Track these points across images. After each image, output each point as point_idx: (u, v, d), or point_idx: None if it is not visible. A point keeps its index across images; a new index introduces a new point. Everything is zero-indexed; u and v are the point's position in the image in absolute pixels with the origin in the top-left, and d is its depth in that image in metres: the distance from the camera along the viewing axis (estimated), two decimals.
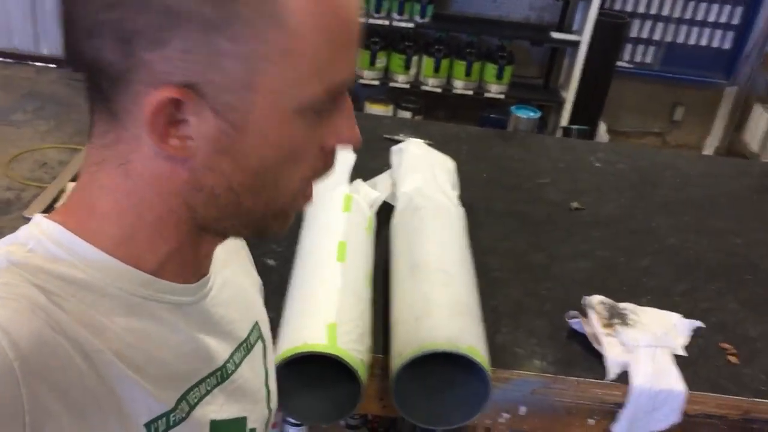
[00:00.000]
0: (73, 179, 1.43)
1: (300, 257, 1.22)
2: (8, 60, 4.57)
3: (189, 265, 0.60)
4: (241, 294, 0.72)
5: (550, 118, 4.12)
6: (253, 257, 0.81)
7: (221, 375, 0.64)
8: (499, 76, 3.82)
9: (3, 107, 3.97)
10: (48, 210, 1.36)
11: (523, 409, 1.21)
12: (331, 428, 1.50)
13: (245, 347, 0.70)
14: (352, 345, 1.00)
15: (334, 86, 0.53)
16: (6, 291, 0.48)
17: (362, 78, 3.82)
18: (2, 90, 4.18)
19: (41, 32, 4.55)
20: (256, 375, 0.72)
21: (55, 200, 1.37)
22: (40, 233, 0.53)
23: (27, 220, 1.39)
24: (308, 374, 1.06)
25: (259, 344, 0.73)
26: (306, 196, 0.59)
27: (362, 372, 1.00)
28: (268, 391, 0.75)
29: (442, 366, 1.06)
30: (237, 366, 0.67)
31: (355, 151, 0.59)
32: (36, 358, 0.46)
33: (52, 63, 4.55)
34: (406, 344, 1.04)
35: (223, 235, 0.60)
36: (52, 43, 4.55)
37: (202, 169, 0.52)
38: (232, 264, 0.72)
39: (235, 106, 0.50)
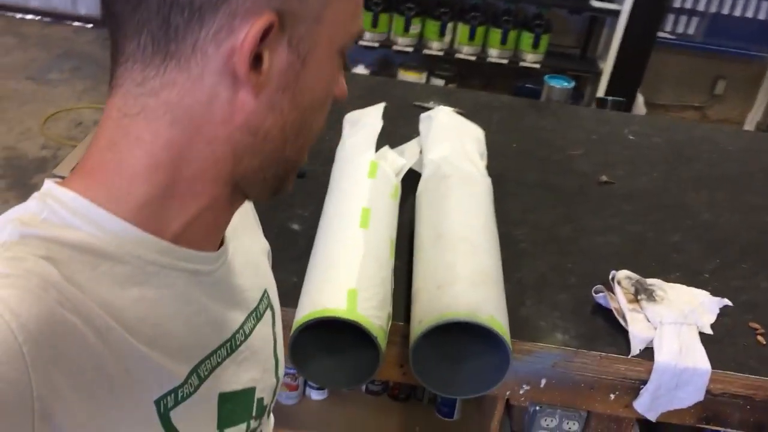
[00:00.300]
0: None
1: (323, 223, 1.22)
2: (46, 19, 4.62)
3: (211, 232, 0.59)
4: (251, 261, 0.71)
5: (587, 89, 4.04)
6: (278, 222, 0.80)
7: (231, 345, 0.63)
8: (535, 45, 3.75)
9: (40, 66, 4.02)
10: None
11: (543, 382, 1.21)
12: (352, 393, 1.51)
13: (255, 316, 0.68)
14: (372, 311, 1.00)
15: (358, 34, 0.56)
16: (16, 267, 0.46)
17: (396, 44, 3.77)
18: (39, 49, 4.23)
19: None
20: (266, 344, 0.71)
21: None
22: (54, 201, 0.51)
23: (56, 177, 1.40)
24: (328, 340, 1.06)
25: (269, 312, 0.72)
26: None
27: (381, 338, 1.00)
28: (276, 360, 0.74)
29: (463, 335, 1.06)
30: (247, 336, 0.66)
31: (340, 104, 0.60)
32: (46, 340, 0.44)
33: (90, 23, 4.59)
34: (426, 312, 1.03)
35: (246, 195, 0.59)
36: (90, 3, 4.57)
37: (264, 108, 0.52)
38: (242, 230, 0.71)
39: (305, 38, 0.51)
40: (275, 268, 1.24)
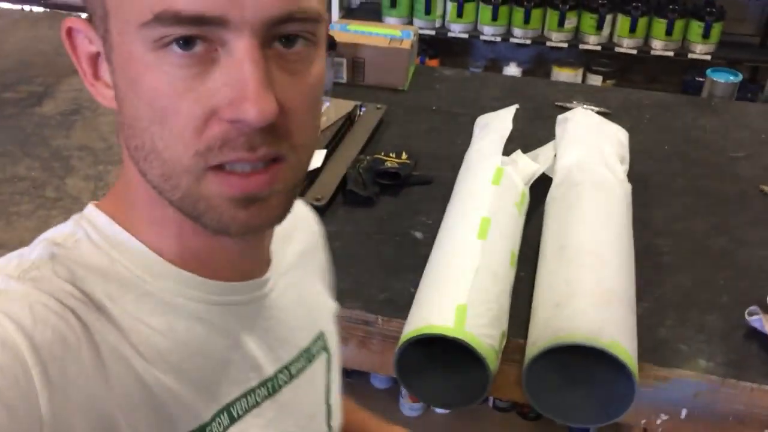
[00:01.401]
0: None
1: (441, 232, 1.18)
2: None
3: (234, 262, 0.55)
4: (307, 300, 0.67)
5: (767, 84, 3.66)
6: (401, 229, 0.76)
7: (272, 386, 0.60)
8: (706, 35, 3.44)
9: None
10: None
11: (684, 413, 1.09)
12: (479, 408, 1.45)
13: (305, 357, 0.65)
14: (482, 329, 0.94)
15: (171, 12, 0.42)
16: (39, 288, 0.46)
17: (550, 40, 3.63)
18: None
19: None
20: (315, 389, 0.67)
21: None
22: (88, 224, 0.52)
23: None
24: (439, 356, 1.02)
25: (323, 356, 0.68)
26: (224, 182, 0.46)
27: (491, 358, 0.94)
28: (329, 407, 0.70)
29: (584, 358, 0.97)
30: (292, 377, 0.62)
31: (254, 123, 0.43)
32: (58, 366, 0.43)
33: None
34: (542, 332, 0.96)
35: (185, 214, 0.49)
36: None
37: (119, 107, 0.48)
38: (304, 266, 0.68)
39: (105, 38, 0.47)
40: (395, 277, 1.22)
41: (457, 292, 0.99)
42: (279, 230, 0.57)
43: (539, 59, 3.96)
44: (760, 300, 1.14)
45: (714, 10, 3.43)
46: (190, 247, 0.53)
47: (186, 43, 0.43)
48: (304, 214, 0.75)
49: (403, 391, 1.38)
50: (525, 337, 1.07)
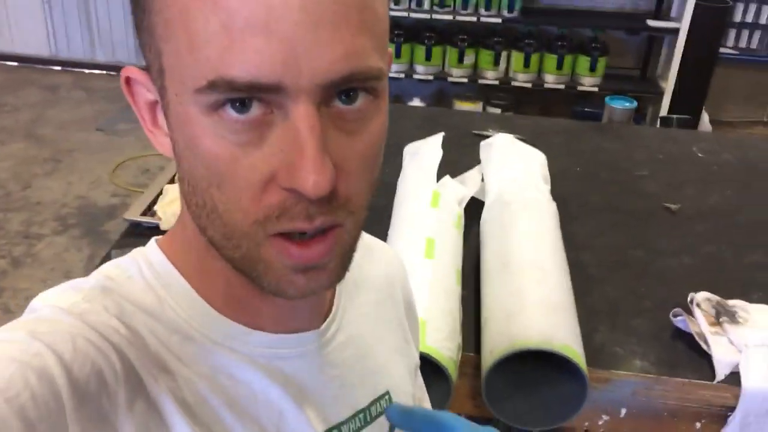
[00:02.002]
0: (172, 181, 1.47)
1: None
2: (112, 73, 4.81)
3: (276, 314, 0.53)
4: (371, 356, 0.62)
5: (649, 110, 3.96)
6: None
7: None
8: (593, 69, 3.70)
9: (109, 118, 4.18)
10: (146, 213, 1.41)
11: (624, 411, 1.16)
12: None
13: (362, 418, 0.59)
14: (442, 342, 0.98)
15: (226, 80, 0.40)
16: (86, 321, 0.45)
17: (451, 76, 3.79)
18: (108, 102, 4.41)
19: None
20: None
21: (153, 202, 1.42)
22: (144, 261, 0.51)
23: (127, 222, 1.43)
24: None
25: (384, 419, 0.61)
26: (283, 251, 0.45)
27: (452, 370, 0.98)
28: None
29: (536, 365, 1.02)
30: None
31: (311, 196, 0.41)
32: (92, 401, 0.43)
33: None
34: (497, 342, 1.01)
35: (242, 272, 0.48)
36: None
37: (177, 161, 0.47)
38: (375, 318, 0.64)
39: (162, 94, 0.45)
40: None
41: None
42: (350, 277, 0.51)
43: (441, 94, 4.12)
44: (680, 303, 1.24)
45: (599, 45, 3.69)
46: (238, 298, 0.52)
47: (242, 105, 0.41)
48: (386, 257, 0.71)
49: None
50: (475, 350, 1.11)
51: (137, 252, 0.53)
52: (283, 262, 0.45)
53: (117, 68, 4.79)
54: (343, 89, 0.42)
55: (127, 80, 0.48)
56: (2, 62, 4.87)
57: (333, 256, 0.46)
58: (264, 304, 0.52)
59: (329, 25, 0.40)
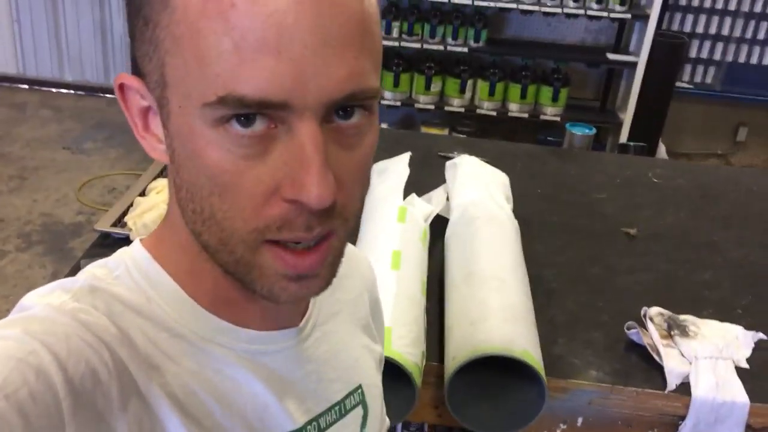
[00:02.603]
0: (142, 193, 1.49)
1: None
2: (80, 92, 4.80)
3: (258, 313, 0.55)
4: (346, 352, 0.64)
5: (608, 140, 4.08)
6: None
7: None
8: (555, 99, 3.81)
9: (76, 137, 4.16)
10: (117, 224, 1.43)
11: (580, 420, 1.20)
12: None
13: (338, 411, 0.62)
14: (406, 348, 1.02)
15: (237, 97, 0.42)
16: (78, 320, 0.46)
17: (418, 102, 3.86)
18: (75, 121, 4.39)
19: (111, 64, 4.76)
20: None
21: (124, 214, 1.44)
22: (130, 260, 0.52)
23: (97, 232, 1.44)
24: None
25: (358, 411, 0.64)
26: (278, 258, 0.47)
27: (416, 375, 1.01)
28: None
29: (498, 372, 1.06)
30: (322, 430, 0.60)
31: (314, 208, 0.44)
32: (87, 399, 0.44)
33: None
34: (460, 348, 1.05)
35: (234, 276, 0.50)
36: None
37: (175, 168, 0.49)
38: (349, 316, 0.67)
39: (162, 104, 0.47)
40: None
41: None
42: None
43: (408, 120, 4.19)
44: (635, 317, 1.30)
45: (561, 76, 3.81)
46: (225, 298, 0.53)
47: (247, 119, 0.43)
48: (358, 260, 0.73)
49: None
50: (438, 359, 1.15)
51: (122, 252, 0.54)
52: (276, 269, 0.47)
53: (85, 88, 4.78)
54: (342, 106, 0.45)
55: (121, 86, 0.50)
56: None
57: (325, 264, 0.49)
58: (250, 304, 0.54)
59: (336, 47, 0.43)
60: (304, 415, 0.58)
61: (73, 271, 1.32)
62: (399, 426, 1.48)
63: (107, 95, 4.76)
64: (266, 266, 0.47)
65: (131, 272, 0.52)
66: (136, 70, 0.49)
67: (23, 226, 3.22)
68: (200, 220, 0.47)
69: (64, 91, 4.80)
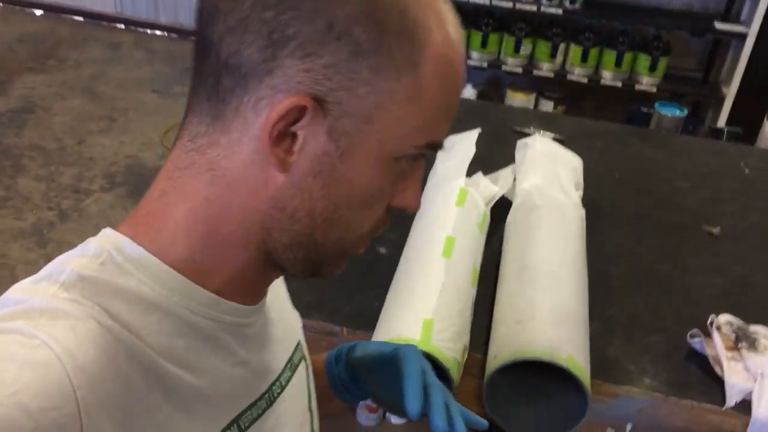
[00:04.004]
0: None
1: (407, 249, 1.22)
2: (173, 35, 4.90)
3: (251, 289, 0.59)
4: (284, 311, 0.71)
5: (708, 115, 3.85)
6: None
7: (270, 397, 0.63)
8: (653, 68, 3.61)
9: (165, 80, 4.26)
10: None
11: (629, 427, 1.15)
12: (423, 424, 1.49)
13: (290, 367, 0.68)
14: (446, 343, 0.99)
15: (430, 143, 0.54)
16: (74, 310, 0.47)
17: (506, 65, 3.74)
18: (165, 63, 4.49)
19: None
20: (300, 396, 0.70)
21: None
22: (112, 247, 0.52)
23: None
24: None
25: (303, 364, 0.72)
26: (363, 245, 0.59)
27: (454, 370, 0.99)
28: (311, 414, 0.73)
29: (541, 374, 1.02)
30: (284, 387, 0.66)
31: (410, 215, 0.60)
32: (100, 385, 0.45)
33: None
34: (502, 347, 1.01)
35: (281, 269, 0.59)
36: None
37: (292, 187, 0.52)
38: (276, 284, 0.70)
39: (349, 133, 0.51)
40: (360, 290, 1.26)
41: (424, 307, 1.03)
42: None
43: (495, 82, 4.08)
44: (700, 323, 1.22)
45: (661, 44, 3.59)
46: (237, 280, 0.57)
47: (417, 157, 0.56)
48: None
49: (361, 402, 1.41)
50: (484, 352, 1.12)
51: (99, 240, 0.54)
52: (357, 251, 0.59)
53: (178, 30, 4.88)
54: None
55: (303, 109, 0.49)
56: (68, 16, 5.00)
57: None
58: (257, 284, 0.60)
59: None
60: (271, 375, 0.64)
61: None
62: None
63: None
64: (353, 251, 0.59)
65: (116, 258, 0.52)
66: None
67: (109, 167, 3.35)
68: (326, 223, 0.54)
69: (158, 32, 4.91)
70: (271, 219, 0.53)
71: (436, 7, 0.52)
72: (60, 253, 0.53)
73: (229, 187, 0.52)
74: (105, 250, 0.52)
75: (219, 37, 0.49)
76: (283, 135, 0.50)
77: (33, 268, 0.51)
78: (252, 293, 0.60)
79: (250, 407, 0.60)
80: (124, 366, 0.48)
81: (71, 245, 0.54)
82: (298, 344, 0.72)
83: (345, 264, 0.59)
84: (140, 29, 4.91)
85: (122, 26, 4.93)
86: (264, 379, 0.63)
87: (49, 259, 0.52)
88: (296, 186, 0.52)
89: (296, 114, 0.49)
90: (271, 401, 0.63)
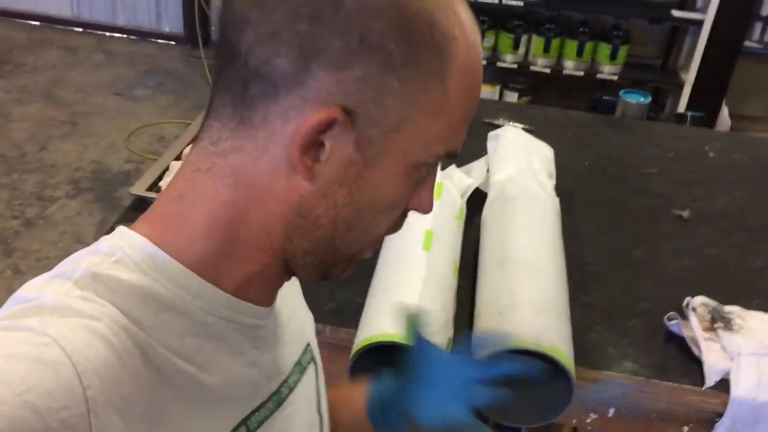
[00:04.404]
0: (178, 158, 1.48)
1: (386, 244, 1.22)
2: (132, 37, 4.82)
3: (265, 291, 0.60)
4: (295, 313, 0.71)
5: (668, 101, 3.92)
6: None
7: (279, 398, 0.64)
8: (613, 57, 3.66)
9: (127, 82, 4.20)
10: (152, 188, 1.42)
11: (612, 411, 1.17)
12: None
13: (299, 369, 0.69)
14: (431, 336, 0.99)
15: (450, 152, 0.56)
16: (87, 308, 0.47)
17: None
18: (126, 66, 4.42)
19: (163, 10, 4.76)
20: (309, 399, 0.71)
21: (159, 178, 1.43)
22: (127, 245, 0.52)
23: (132, 196, 1.44)
24: (388, 363, 1.06)
25: (312, 366, 0.72)
26: (374, 248, 0.60)
27: None
28: (321, 416, 0.73)
29: (525, 362, 1.03)
30: (292, 389, 0.66)
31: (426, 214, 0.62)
32: (110, 385, 0.45)
33: (173, 40, 4.76)
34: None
35: (292, 273, 0.60)
36: (173, 21, 4.75)
37: (317, 194, 0.52)
38: (293, 281, 0.71)
39: (376, 143, 0.52)
40: (340, 287, 1.25)
41: (407, 300, 1.03)
42: None
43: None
44: (677, 306, 1.24)
45: (621, 33, 3.64)
46: (252, 282, 0.57)
47: (435, 164, 0.57)
48: None
49: None
50: None
51: (113, 239, 0.54)
52: (367, 255, 0.60)
53: (137, 32, 4.80)
54: None
55: (333, 120, 0.50)
56: (24, 21, 4.89)
57: None
58: (272, 286, 0.60)
59: None
60: (279, 377, 0.64)
61: (119, 222, 1.32)
62: None
63: (159, 40, 4.77)
64: (364, 255, 0.60)
65: (131, 256, 0.52)
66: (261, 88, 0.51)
67: (73, 173, 3.28)
68: (346, 228, 0.55)
69: (117, 35, 4.83)
70: (294, 225, 0.54)
71: (459, 16, 0.53)
72: (27, 262, 0.51)
73: (252, 193, 0.53)
74: (119, 248, 0.52)
75: (248, 45, 0.49)
76: (311, 144, 0.51)
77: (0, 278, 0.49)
78: (265, 295, 0.60)
79: (258, 408, 0.60)
80: (135, 365, 0.47)
81: (38, 254, 0.53)
82: (307, 346, 0.72)
83: (351, 269, 0.61)
84: (98, 32, 4.82)
85: (80, 29, 4.83)
86: (272, 381, 0.63)
87: (15, 269, 0.51)
88: (321, 193, 0.53)
89: (326, 125, 0.50)
90: (279, 403, 0.64)
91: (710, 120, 3.33)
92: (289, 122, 0.50)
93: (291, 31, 0.48)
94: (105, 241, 0.53)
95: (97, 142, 3.55)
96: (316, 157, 0.51)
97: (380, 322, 1.02)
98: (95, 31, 4.83)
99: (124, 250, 0.52)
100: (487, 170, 1.50)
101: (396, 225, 0.59)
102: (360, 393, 0.85)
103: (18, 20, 4.87)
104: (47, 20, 4.87)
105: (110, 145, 3.53)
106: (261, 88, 0.50)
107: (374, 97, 0.50)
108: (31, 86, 4.05)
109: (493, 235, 1.24)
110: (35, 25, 4.87)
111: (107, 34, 4.83)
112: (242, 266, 0.55)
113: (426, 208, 0.59)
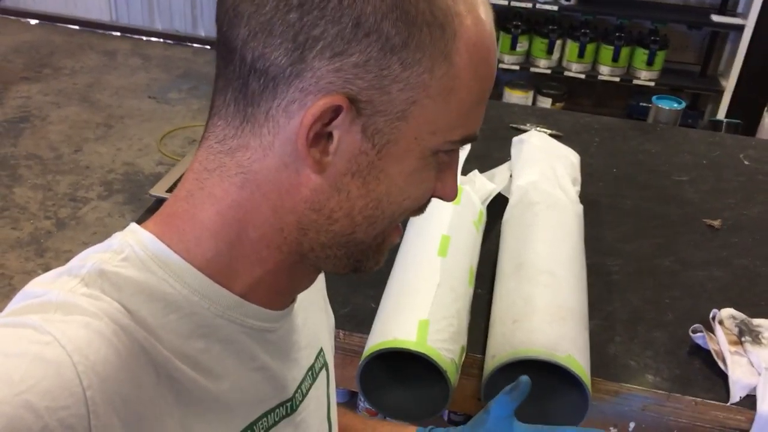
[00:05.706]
0: None
1: (402, 249, 1.20)
2: (168, 41, 4.89)
3: (277, 293, 0.58)
4: (310, 318, 0.69)
5: (707, 109, 3.83)
6: None
7: (290, 406, 0.62)
8: (650, 62, 3.59)
9: (161, 86, 4.25)
10: (172, 189, 1.43)
11: (632, 426, 1.13)
12: (436, 420, 1.47)
13: (311, 375, 0.67)
14: (442, 344, 0.97)
15: (467, 137, 0.54)
16: (91, 306, 0.47)
17: (502, 62, 3.72)
18: (161, 70, 4.48)
19: (198, 15, 4.82)
20: (320, 405, 0.69)
21: (179, 180, 1.43)
22: (136, 242, 0.52)
23: (153, 197, 1.45)
24: (400, 370, 1.04)
25: (324, 373, 0.71)
26: (398, 234, 0.59)
27: (451, 372, 0.97)
28: (330, 424, 0.72)
29: (541, 372, 1.00)
30: (304, 396, 0.65)
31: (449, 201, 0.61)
32: (110, 385, 0.45)
33: (208, 44, 4.82)
34: (500, 347, 0.99)
35: (317, 268, 0.59)
36: (208, 26, 4.81)
37: (328, 188, 0.51)
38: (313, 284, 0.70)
39: (384, 131, 0.50)
40: (355, 292, 1.24)
41: (420, 307, 1.01)
42: None
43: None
44: (703, 318, 1.20)
45: (658, 38, 3.58)
46: (264, 283, 0.56)
47: (454, 150, 0.55)
48: None
49: (360, 404, 1.39)
50: (482, 351, 1.10)
51: (123, 236, 0.53)
52: (394, 241, 0.59)
53: (174, 37, 4.87)
54: None
55: (337, 108, 0.49)
56: (64, 25, 4.99)
57: None
58: (288, 286, 0.58)
59: None
60: (293, 383, 0.63)
61: (138, 224, 1.32)
62: (446, 412, 1.44)
63: (194, 45, 4.83)
64: (392, 242, 0.59)
65: (139, 254, 0.51)
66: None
67: (106, 174, 3.33)
68: (368, 221, 0.53)
69: (153, 39, 4.90)
70: (307, 220, 0.53)
71: None
72: (58, 262, 0.51)
73: (261, 190, 0.52)
74: (128, 245, 0.52)
75: (243, 41, 0.48)
76: (318, 136, 0.50)
77: (31, 278, 0.51)
78: (279, 297, 0.59)
79: (266, 414, 0.59)
80: (136, 367, 0.47)
81: (69, 254, 0.53)
82: (321, 352, 0.71)
83: (386, 257, 0.59)
84: (135, 36, 4.90)
85: (118, 34, 4.92)
86: (283, 388, 0.61)
87: (47, 268, 0.51)
88: (333, 186, 0.51)
89: (331, 114, 0.49)
90: (292, 410, 0.62)
91: (750, 127, 3.24)
92: (292, 116, 0.49)
93: (283, 22, 0.47)
94: (115, 238, 0.53)
95: (130, 145, 3.60)
96: (324, 150, 0.50)
97: (391, 329, 1.00)
98: (133, 36, 4.91)
99: (132, 248, 0.51)
100: (510, 176, 1.47)
101: (417, 212, 0.58)
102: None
103: (59, 24, 4.98)
104: (87, 25, 4.97)
105: (143, 148, 3.58)
106: (260, 84, 0.49)
107: (377, 83, 0.48)
108: (69, 89, 4.12)
109: (512, 242, 1.22)
110: (75, 29, 4.97)
111: (144, 38, 4.90)
112: (253, 268, 0.54)
113: (450, 195, 0.57)
